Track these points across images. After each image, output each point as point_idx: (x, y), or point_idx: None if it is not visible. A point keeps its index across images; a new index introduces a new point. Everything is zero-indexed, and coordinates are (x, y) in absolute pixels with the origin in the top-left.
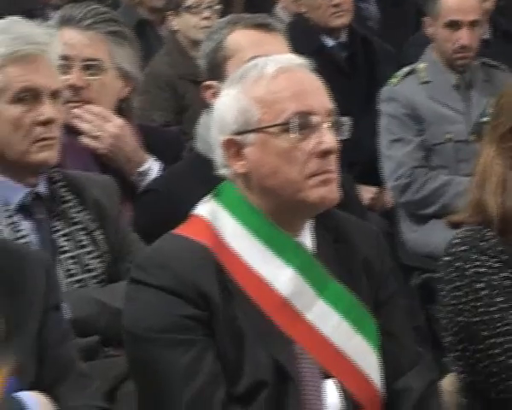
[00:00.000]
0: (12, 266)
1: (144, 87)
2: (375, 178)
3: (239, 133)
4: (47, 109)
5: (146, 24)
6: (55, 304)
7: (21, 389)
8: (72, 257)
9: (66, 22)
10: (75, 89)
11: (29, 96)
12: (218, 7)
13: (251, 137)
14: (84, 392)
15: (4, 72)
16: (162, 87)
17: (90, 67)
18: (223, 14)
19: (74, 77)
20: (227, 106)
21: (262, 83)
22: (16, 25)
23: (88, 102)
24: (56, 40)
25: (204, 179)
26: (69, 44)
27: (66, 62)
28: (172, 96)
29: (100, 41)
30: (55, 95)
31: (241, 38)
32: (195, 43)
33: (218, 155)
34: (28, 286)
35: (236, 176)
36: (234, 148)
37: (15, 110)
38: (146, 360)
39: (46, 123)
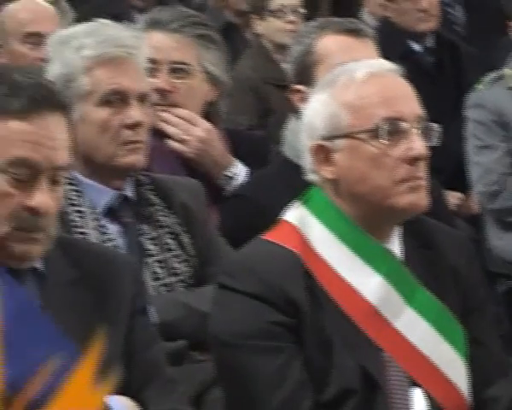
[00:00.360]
0: (100, 270)
1: (229, 91)
2: (460, 184)
3: (328, 139)
4: (134, 112)
5: (232, 27)
6: (142, 308)
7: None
8: (158, 260)
9: (153, 25)
10: (162, 92)
11: (117, 98)
12: (302, 11)
13: (340, 142)
14: (170, 396)
15: (92, 74)
16: (246, 91)
17: (178, 70)
18: (308, 18)
19: (162, 80)
20: (316, 111)
21: (352, 88)
22: (104, 27)
23: (175, 105)
24: (144, 43)
25: (291, 185)
26: (157, 48)
27: (154, 66)
28: (256, 100)
29: (187, 44)
30: (142, 98)
31: (331, 43)
32: (280, 47)
33: (307, 161)
34: (116, 290)
35: (325, 182)
36: (323, 153)
37: (103, 113)
38: (233, 365)
39: (133, 126)
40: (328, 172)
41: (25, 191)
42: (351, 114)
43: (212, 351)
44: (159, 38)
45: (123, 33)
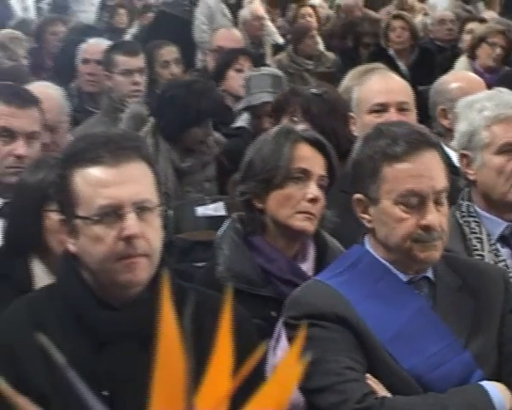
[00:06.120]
0: (476, 279)
1: None
2: None
3: None
4: None
5: None
6: (511, 309)
7: (484, 379)
8: None
9: None
10: None
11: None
12: None
13: None
14: None
15: (491, 130)
16: None
17: None
18: None
19: None
20: None
21: None
22: (500, 94)
23: None
24: None
25: None
26: None
27: None
28: None
29: None
30: None
31: None
32: None
33: None
34: (490, 295)
35: None
36: None
37: (499, 160)
38: None
39: None
40: None
41: (416, 215)
42: None
43: None
44: None
45: None
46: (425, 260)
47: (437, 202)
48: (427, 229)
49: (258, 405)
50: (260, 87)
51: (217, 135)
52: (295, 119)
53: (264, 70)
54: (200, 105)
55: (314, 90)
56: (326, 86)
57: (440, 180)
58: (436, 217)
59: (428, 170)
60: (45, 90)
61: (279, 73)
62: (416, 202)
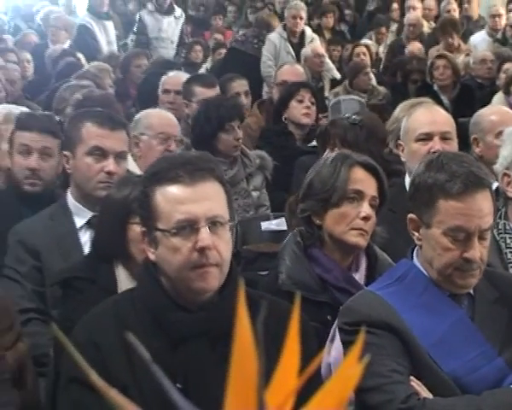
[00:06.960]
0: (510, 291)
1: None
2: None
3: None
4: None
5: None
6: None
7: None
8: None
9: None
10: None
11: None
12: None
13: None
14: None
15: None
16: None
17: None
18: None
19: None
20: None
21: None
22: None
23: None
24: None
25: None
26: None
27: None
28: None
29: None
30: None
31: None
32: None
33: None
34: None
35: None
36: None
37: None
38: None
39: None
40: None
41: (461, 247)
42: None
43: None
44: None
45: None
46: (462, 286)
47: (481, 237)
48: (469, 261)
49: (320, 402)
50: (352, 109)
51: (262, 152)
52: (336, 148)
53: (352, 96)
54: (219, 113)
55: (353, 118)
56: (365, 115)
57: (487, 219)
58: (478, 251)
59: (478, 210)
60: (167, 114)
61: (362, 99)
62: (462, 236)
